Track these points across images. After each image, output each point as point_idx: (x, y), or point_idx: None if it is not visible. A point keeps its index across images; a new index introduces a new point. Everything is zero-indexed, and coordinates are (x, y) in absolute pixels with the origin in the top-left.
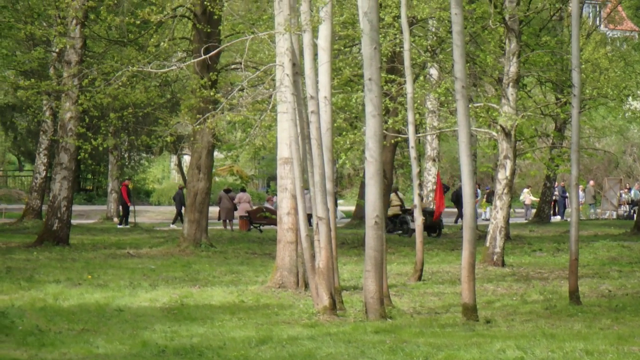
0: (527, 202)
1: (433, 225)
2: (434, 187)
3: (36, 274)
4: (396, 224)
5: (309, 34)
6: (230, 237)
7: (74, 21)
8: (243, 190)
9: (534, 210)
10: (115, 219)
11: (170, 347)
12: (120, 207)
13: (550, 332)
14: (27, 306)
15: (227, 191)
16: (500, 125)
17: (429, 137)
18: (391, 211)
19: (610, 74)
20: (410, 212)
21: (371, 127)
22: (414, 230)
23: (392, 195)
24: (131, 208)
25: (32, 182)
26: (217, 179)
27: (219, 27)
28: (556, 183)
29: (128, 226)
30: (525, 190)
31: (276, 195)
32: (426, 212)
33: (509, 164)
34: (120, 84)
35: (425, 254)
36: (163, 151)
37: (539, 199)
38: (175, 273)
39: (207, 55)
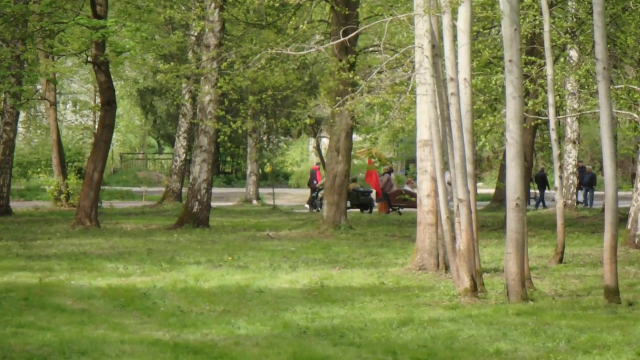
0: None
1: (364, 203)
2: (574, 169)
3: (177, 256)
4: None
5: (448, 15)
6: (369, 220)
7: (213, 4)
8: (391, 171)
9: None
10: (255, 202)
11: (311, 328)
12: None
13: None
14: (169, 287)
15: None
16: None
17: (569, 120)
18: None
19: None
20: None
21: (512, 109)
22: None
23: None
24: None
25: (171, 164)
26: (355, 161)
27: (357, 10)
28: None
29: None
30: None
31: (415, 177)
32: (358, 192)
33: None
34: (259, 66)
35: (566, 236)
36: (301, 134)
37: None
38: (314, 255)
39: (346, 38)
